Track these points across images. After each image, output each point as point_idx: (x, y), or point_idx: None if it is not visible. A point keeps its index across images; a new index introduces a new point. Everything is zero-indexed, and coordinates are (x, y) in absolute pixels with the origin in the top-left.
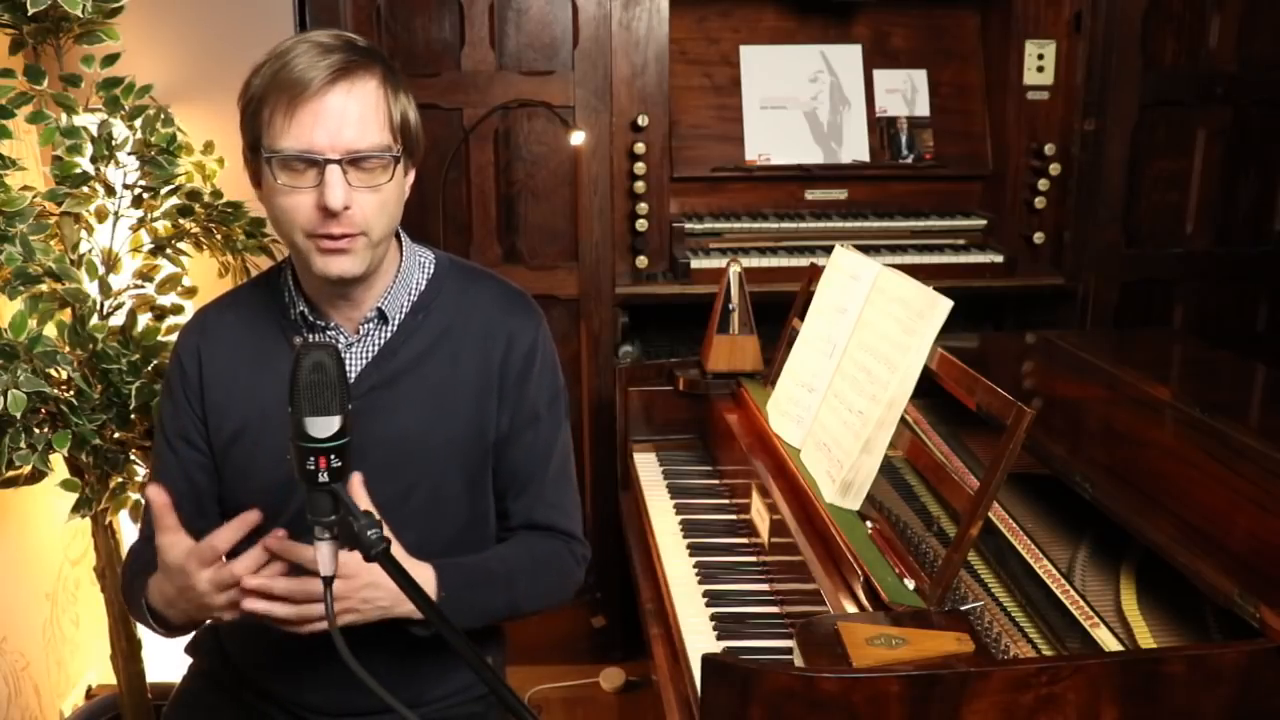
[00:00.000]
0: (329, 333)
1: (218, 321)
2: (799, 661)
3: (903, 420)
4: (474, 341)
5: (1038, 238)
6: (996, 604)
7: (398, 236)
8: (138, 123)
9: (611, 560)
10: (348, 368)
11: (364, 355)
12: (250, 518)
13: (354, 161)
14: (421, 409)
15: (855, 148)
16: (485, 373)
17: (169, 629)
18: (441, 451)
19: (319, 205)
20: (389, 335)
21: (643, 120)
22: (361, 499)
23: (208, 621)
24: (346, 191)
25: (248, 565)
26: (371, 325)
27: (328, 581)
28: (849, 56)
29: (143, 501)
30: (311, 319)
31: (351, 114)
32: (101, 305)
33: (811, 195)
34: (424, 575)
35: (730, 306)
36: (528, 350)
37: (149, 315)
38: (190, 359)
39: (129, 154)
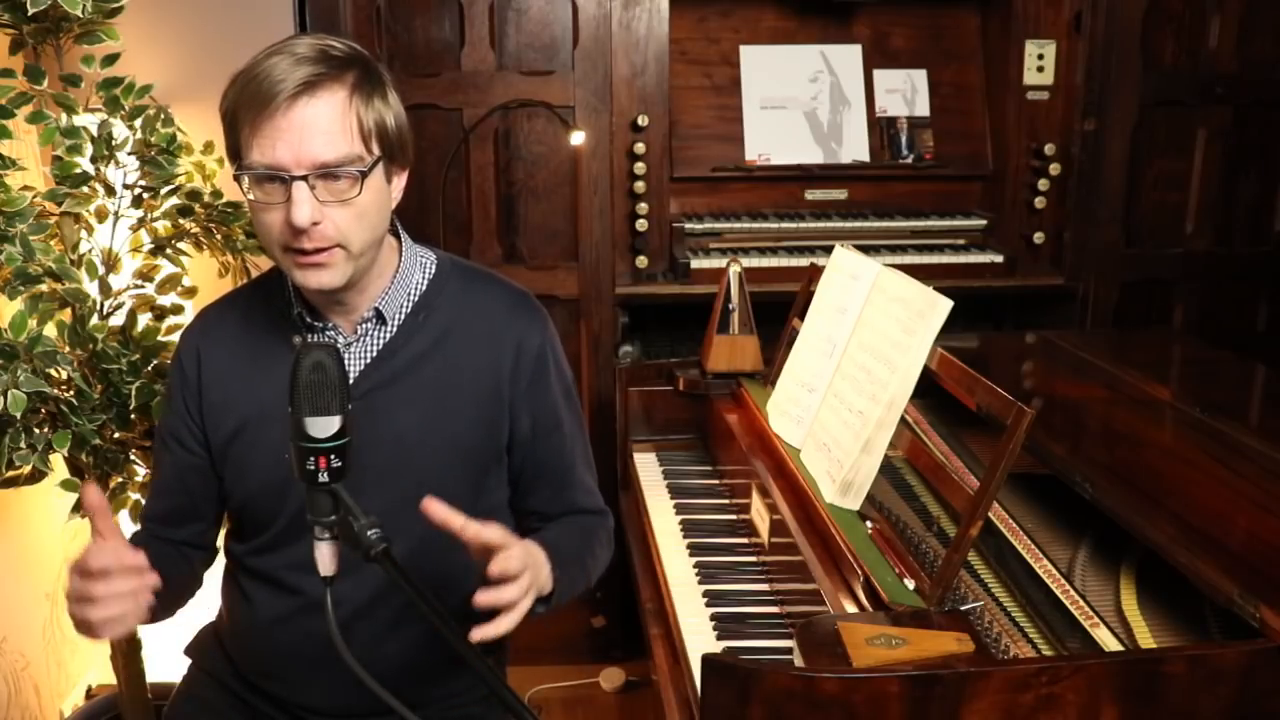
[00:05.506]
0: (328, 333)
1: (218, 321)
2: (799, 661)
3: (903, 420)
4: (478, 344)
5: (1038, 238)
6: (996, 604)
7: (398, 236)
8: (138, 123)
9: (611, 560)
10: (346, 369)
11: (363, 356)
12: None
13: (323, 176)
14: (422, 410)
15: (855, 148)
16: (494, 376)
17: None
18: (443, 453)
19: (287, 221)
20: (388, 336)
21: (643, 120)
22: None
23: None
24: (314, 207)
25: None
26: (370, 326)
27: (328, 582)
28: (849, 56)
29: (143, 502)
30: (310, 319)
31: (317, 127)
32: (101, 305)
33: (811, 195)
34: (539, 558)
35: (730, 306)
36: (538, 354)
37: (149, 315)
38: (190, 360)
39: (129, 154)
